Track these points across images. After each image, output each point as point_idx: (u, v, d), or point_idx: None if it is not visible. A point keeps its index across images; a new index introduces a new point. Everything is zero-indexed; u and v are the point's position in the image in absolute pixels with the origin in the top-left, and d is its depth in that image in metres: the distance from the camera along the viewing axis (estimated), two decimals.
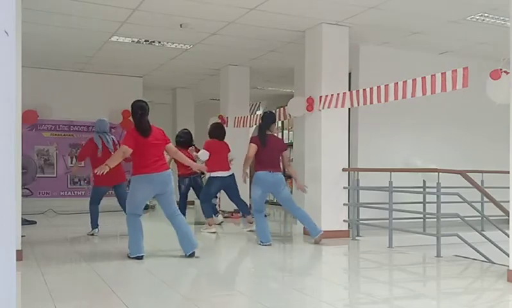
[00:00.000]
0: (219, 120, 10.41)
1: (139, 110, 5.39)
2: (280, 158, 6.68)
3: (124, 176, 7.20)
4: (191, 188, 8.82)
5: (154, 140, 5.38)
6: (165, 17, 6.99)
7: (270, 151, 6.49)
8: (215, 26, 7.45)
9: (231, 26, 7.38)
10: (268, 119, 6.67)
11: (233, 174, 7.92)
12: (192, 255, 5.54)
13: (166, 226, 8.59)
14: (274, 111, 7.54)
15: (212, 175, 7.75)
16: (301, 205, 7.77)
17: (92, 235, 7.16)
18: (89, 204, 7.28)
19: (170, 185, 5.49)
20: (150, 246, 6.60)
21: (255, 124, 9.88)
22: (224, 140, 8.17)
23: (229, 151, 8.04)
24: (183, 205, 8.81)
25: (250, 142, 6.73)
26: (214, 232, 7.67)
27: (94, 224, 7.23)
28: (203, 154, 7.76)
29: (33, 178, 10.47)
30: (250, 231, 7.66)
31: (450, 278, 5.19)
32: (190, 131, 9.15)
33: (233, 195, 8.03)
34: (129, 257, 5.44)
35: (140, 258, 5.45)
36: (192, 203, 11.36)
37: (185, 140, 8.79)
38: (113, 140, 7.32)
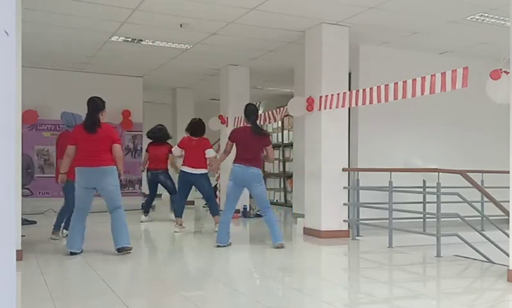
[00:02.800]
0: (219, 120, 10.43)
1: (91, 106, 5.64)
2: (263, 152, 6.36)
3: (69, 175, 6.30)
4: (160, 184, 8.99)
5: (99, 137, 5.53)
6: (165, 16, 6.99)
7: (250, 145, 6.18)
8: (215, 26, 7.45)
9: (231, 26, 7.38)
10: (255, 111, 6.47)
11: (204, 173, 7.59)
12: (120, 250, 5.58)
13: (165, 226, 8.60)
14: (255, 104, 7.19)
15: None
16: (301, 204, 7.78)
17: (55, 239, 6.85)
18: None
19: (105, 180, 5.54)
20: (150, 246, 6.62)
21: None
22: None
23: (207, 148, 7.65)
24: (149, 200, 9.07)
25: (229, 138, 6.38)
26: (177, 232, 7.60)
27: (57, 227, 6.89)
28: (175, 150, 7.89)
29: (32, 177, 10.46)
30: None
31: (450, 278, 5.19)
32: (164, 127, 9.16)
33: (205, 194, 7.84)
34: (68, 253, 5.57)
35: (73, 254, 5.55)
36: (192, 202, 11.37)
37: (159, 136, 8.89)
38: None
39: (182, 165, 7.70)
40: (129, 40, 8.25)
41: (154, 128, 9.12)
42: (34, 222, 8.47)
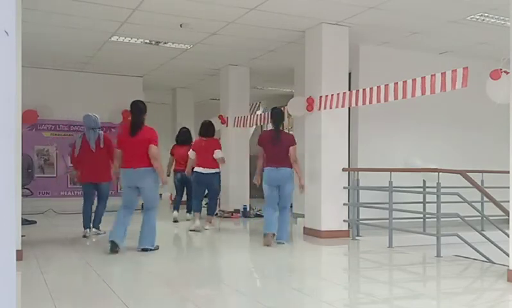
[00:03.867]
0: (218, 120, 10.44)
1: (135, 109, 5.92)
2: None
3: (109, 175, 6.98)
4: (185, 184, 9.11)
5: (138, 139, 5.78)
6: (165, 16, 6.99)
7: (279, 147, 6.44)
8: (215, 26, 7.45)
9: (231, 26, 7.38)
10: (280, 116, 6.70)
11: (216, 173, 7.91)
12: (143, 250, 5.84)
13: (166, 226, 8.60)
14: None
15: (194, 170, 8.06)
16: (301, 204, 7.79)
17: (84, 236, 7.03)
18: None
19: (145, 181, 5.80)
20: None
21: (255, 124, 9.91)
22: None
23: (215, 148, 7.90)
24: (178, 199, 9.10)
25: (258, 143, 6.69)
26: (194, 230, 7.72)
27: (85, 225, 7.11)
28: (191, 154, 8.07)
29: (32, 177, 10.47)
30: (206, 229, 7.90)
31: (450, 278, 5.19)
32: (189, 130, 9.52)
33: (210, 193, 8.05)
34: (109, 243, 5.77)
35: (111, 243, 5.70)
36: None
37: (184, 139, 9.22)
38: (99, 136, 7.11)
39: (196, 166, 7.95)
40: (129, 40, 8.25)
41: (180, 132, 9.54)
42: (34, 222, 8.48)
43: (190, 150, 8.09)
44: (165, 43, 8.48)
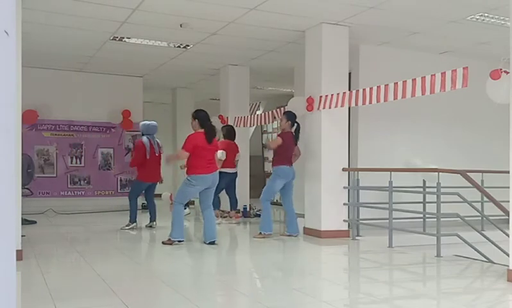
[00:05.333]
0: (219, 120, 10.45)
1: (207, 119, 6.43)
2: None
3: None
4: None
5: (213, 146, 6.42)
6: (165, 17, 6.99)
7: (292, 149, 7.23)
8: (215, 26, 7.45)
9: (231, 26, 7.38)
10: (295, 118, 7.26)
11: (236, 172, 9.20)
12: (211, 243, 6.41)
13: (168, 225, 8.60)
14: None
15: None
16: (301, 204, 7.80)
17: (131, 228, 7.83)
18: (129, 199, 8.00)
19: (216, 182, 6.50)
20: (149, 246, 6.63)
21: (255, 124, 9.92)
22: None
23: (237, 152, 9.13)
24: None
25: (284, 140, 7.11)
26: (218, 223, 8.27)
27: (133, 219, 7.87)
28: (221, 155, 8.71)
29: (32, 177, 10.47)
30: (235, 223, 8.92)
31: (450, 278, 5.19)
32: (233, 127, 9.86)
33: (231, 190, 9.24)
34: (170, 242, 6.33)
35: (181, 241, 6.36)
36: (192, 203, 11.39)
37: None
38: (158, 143, 8.06)
39: (224, 166, 8.70)
40: (129, 40, 8.25)
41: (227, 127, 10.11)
42: (34, 222, 8.48)
43: (221, 151, 8.55)
44: (165, 43, 8.48)
